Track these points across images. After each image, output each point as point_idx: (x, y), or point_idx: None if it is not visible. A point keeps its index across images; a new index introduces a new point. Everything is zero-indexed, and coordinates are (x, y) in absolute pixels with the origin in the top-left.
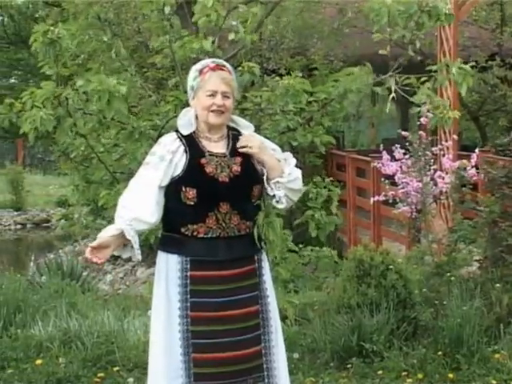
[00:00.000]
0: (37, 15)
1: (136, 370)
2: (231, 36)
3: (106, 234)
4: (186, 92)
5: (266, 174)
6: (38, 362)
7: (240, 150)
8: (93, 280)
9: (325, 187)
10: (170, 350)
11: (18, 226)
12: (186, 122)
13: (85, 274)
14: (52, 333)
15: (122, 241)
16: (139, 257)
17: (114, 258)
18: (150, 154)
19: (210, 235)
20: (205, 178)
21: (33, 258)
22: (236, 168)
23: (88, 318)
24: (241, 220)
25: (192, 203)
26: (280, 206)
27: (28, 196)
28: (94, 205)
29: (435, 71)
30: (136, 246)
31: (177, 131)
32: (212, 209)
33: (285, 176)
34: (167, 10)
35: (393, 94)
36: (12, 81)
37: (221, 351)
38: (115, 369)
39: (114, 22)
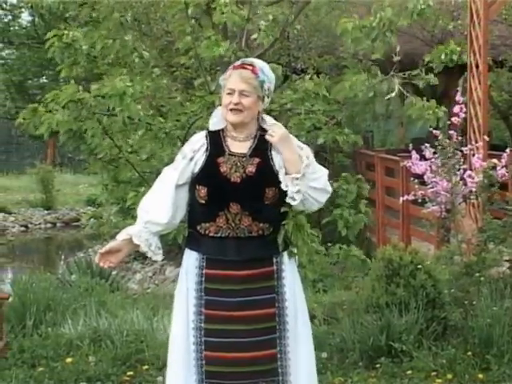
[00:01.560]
0: (67, 15)
1: (165, 368)
2: (254, 36)
3: (118, 237)
4: (211, 93)
5: (283, 168)
6: (68, 360)
7: (266, 137)
8: (122, 279)
9: (356, 181)
10: (188, 347)
11: (49, 225)
12: (216, 120)
13: (114, 273)
14: (82, 331)
15: (135, 245)
16: (157, 257)
17: (143, 258)
18: (179, 152)
19: (219, 235)
20: (217, 177)
21: (63, 256)
22: (251, 169)
23: (117, 317)
24: (253, 221)
25: (203, 202)
26: (293, 203)
27: (58, 195)
28: (123, 204)
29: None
30: (147, 248)
31: (208, 129)
32: (222, 208)
33: (300, 172)
34: (190, 11)
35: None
36: (43, 80)
37: (233, 351)
38: (144, 367)
39: (144, 22)
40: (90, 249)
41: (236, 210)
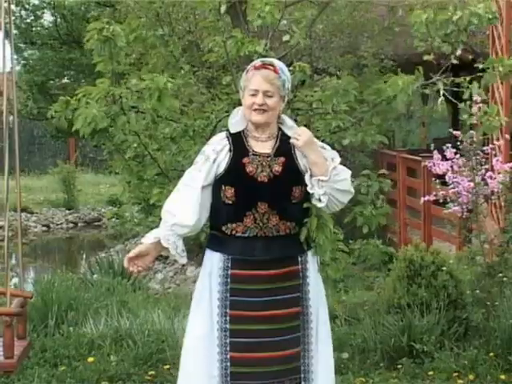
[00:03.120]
0: (89, 15)
1: None
2: (286, 38)
3: (146, 241)
4: (238, 91)
5: (309, 170)
6: (90, 359)
7: (291, 141)
8: (143, 279)
9: (377, 178)
10: (212, 348)
11: (70, 225)
12: (236, 121)
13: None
14: (103, 331)
15: (162, 247)
16: (183, 260)
17: (165, 258)
18: (199, 154)
19: (247, 234)
20: (244, 178)
21: (84, 256)
22: (277, 168)
23: (139, 317)
24: (280, 220)
25: (230, 202)
26: (320, 205)
27: (79, 195)
28: (144, 203)
29: (483, 70)
30: (175, 251)
31: (227, 130)
32: (250, 208)
33: (327, 175)
34: (223, 9)
35: (441, 98)
36: (64, 81)
37: (259, 351)
38: (166, 367)
39: (166, 22)
40: (111, 248)
41: (264, 210)
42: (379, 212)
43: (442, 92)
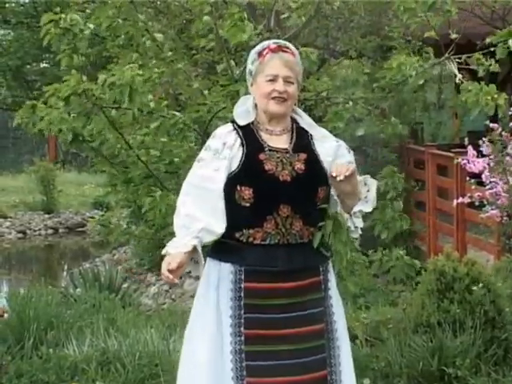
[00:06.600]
0: None
1: None
2: (285, 15)
3: (182, 249)
4: (236, 81)
5: (339, 201)
6: None
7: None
8: (134, 293)
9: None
10: (222, 374)
11: (50, 231)
12: (243, 111)
13: (125, 286)
14: (88, 353)
15: (191, 256)
16: (200, 272)
17: (158, 269)
18: (204, 149)
19: (267, 242)
20: (263, 176)
21: (66, 267)
22: (300, 166)
23: (129, 337)
24: (304, 225)
25: (248, 204)
26: (355, 236)
27: (60, 196)
28: (135, 206)
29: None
30: (202, 261)
31: (233, 122)
32: (271, 211)
33: (365, 204)
34: None
35: (458, 77)
36: (43, 65)
37: (279, 375)
38: None
39: None
40: (97, 258)
41: (286, 213)
42: (394, 209)
43: (456, 71)
